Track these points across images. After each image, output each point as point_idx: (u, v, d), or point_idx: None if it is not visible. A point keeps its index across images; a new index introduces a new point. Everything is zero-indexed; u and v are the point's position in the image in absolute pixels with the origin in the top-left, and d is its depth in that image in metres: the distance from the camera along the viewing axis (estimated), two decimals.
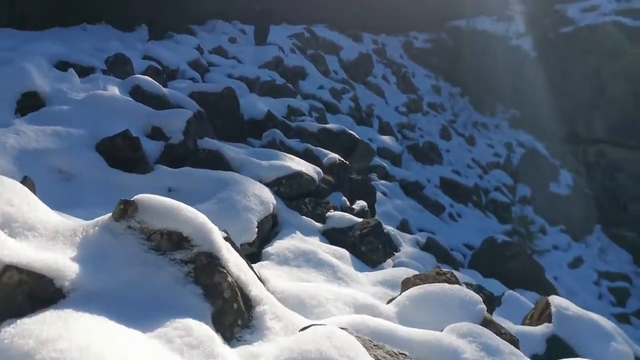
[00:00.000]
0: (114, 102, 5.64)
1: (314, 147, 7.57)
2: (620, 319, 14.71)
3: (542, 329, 4.18)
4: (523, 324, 4.60)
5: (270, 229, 4.90)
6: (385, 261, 5.36)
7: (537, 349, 4.07)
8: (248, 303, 2.36)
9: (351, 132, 9.48)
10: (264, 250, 4.35)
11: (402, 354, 2.24)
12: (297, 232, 4.94)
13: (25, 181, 2.91)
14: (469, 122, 23.70)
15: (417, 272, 4.53)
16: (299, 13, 19.80)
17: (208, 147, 5.69)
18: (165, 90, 7.02)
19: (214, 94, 8.02)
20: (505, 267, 9.67)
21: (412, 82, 23.20)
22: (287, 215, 5.26)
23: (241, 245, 4.12)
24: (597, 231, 20.80)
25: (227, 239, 2.81)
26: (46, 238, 2.15)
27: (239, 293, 2.29)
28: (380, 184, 11.23)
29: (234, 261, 2.43)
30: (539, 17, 25.92)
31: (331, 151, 7.53)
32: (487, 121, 24.58)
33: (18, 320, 1.70)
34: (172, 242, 2.24)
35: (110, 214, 2.28)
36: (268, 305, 2.41)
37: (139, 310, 1.99)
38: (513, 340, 3.01)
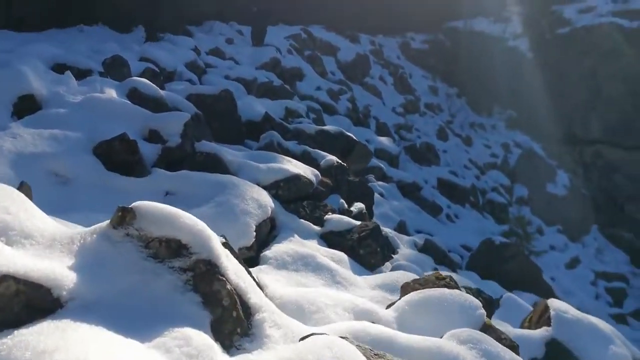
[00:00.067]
0: (111, 105, 5.61)
1: (311, 149, 7.55)
2: (617, 319, 14.74)
3: (541, 332, 4.17)
4: (522, 327, 4.59)
5: (268, 232, 4.88)
6: (383, 264, 5.34)
7: (536, 352, 4.06)
8: (247, 311, 2.34)
9: (349, 134, 9.47)
10: (262, 254, 4.33)
11: None
12: (295, 236, 4.92)
13: (21, 187, 2.89)
14: (466, 122, 23.73)
15: (415, 276, 4.52)
16: (296, 14, 19.77)
17: (206, 150, 5.67)
18: (162, 92, 6.99)
19: (211, 96, 8.01)
20: (503, 269, 9.68)
21: (409, 83, 23.21)
22: (285, 218, 5.24)
23: (239, 249, 4.11)
24: (594, 231, 20.85)
25: (225, 244, 2.79)
26: (43, 246, 2.13)
27: (238, 301, 2.28)
28: (378, 185, 11.21)
29: (233, 268, 2.41)
30: (536, 18, 25.98)
31: (329, 153, 7.52)
32: (484, 122, 24.62)
33: (15, 331, 1.68)
34: (170, 249, 2.22)
35: (108, 221, 2.26)
36: (267, 313, 2.40)
37: (137, 320, 1.97)
38: (513, 346, 3.00)
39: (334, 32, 21.82)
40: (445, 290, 3.31)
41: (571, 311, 4.36)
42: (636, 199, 21.16)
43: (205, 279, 2.21)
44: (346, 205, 6.49)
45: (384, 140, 14.98)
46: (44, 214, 2.41)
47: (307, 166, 6.22)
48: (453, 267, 8.54)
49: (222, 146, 6.31)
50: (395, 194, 12.20)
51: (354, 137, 9.55)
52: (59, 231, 2.26)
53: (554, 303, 4.46)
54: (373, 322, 2.93)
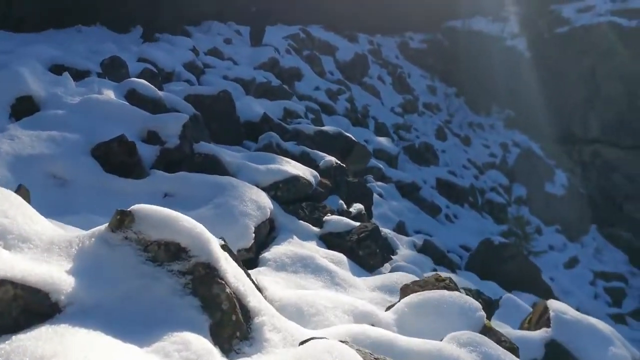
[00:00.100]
0: (109, 106, 5.60)
1: (310, 150, 7.54)
2: (616, 319, 14.75)
3: (541, 333, 4.16)
4: (521, 328, 4.59)
5: (267, 234, 4.86)
6: (382, 265, 5.33)
7: (536, 353, 4.05)
8: (247, 314, 2.33)
9: (347, 134, 9.47)
10: (261, 256, 4.32)
11: None
12: (295, 237, 4.91)
13: (19, 190, 2.87)
14: (465, 122, 23.73)
15: (414, 277, 4.51)
16: (295, 14, 19.75)
17: (204, 152, 5.65)
18: (160, 93, 6.98)
19: (209, 97, 7.99)
20: (502, 269, 9.68)
21: (407, 82, 23.21)
22: (284, 220, 5.23)
23: (238, 251, 4.10)
24: (592, 231, 20.86)
25: (224, 247, 2.78)
26: (41, 250, 2.12)
27: (237, 304, 2.27)
28: (377, 185, 11.20)
29: (232, 271, 2.40)
30: (534, 17, 25.99)
31: (328, 154, 7.51)
32: (482, 121, 24.61)
33: (13, 337, 1.67)
34: (169, 253, 2.21)
35: (106, 225, 2.25)
36: (267, 316, 2.39)
37: (136, 324, 1.96)
38: (513, 349, 2.99)
39: (332, 32, 21.81)
40: (445, 292, 3.30)
41: (570, 312, 4.36)
42: (635, 198, 21.18)
43: (204, 282, 2.20)
44: (345, 206, 6.48)
45: (383, 140, 14.97)
46: (42, 217, 2.40)
47: (306, 167, 6.21)
48: (452, 267, 8.53)
49: (220, 147, 6.29)
50: (394, 194, 12.18)
51: (353, 138, 9.54)
52: (57, 235, 2.25)
53: (553, 304, 4.45)
54: (373, 325, 2.92)
